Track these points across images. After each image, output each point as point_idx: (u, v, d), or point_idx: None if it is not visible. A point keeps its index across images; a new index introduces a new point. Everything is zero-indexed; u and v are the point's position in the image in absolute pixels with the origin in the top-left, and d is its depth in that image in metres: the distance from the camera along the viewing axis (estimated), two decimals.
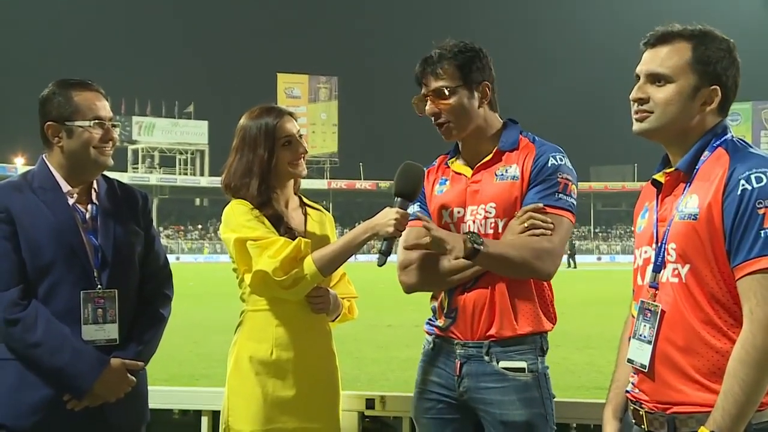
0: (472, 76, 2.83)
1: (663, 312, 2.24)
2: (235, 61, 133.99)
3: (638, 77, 2.31)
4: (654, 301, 2.26)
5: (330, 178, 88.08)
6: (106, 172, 3.04)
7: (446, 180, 2.97)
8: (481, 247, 2.65)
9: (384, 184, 77.60)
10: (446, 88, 2.81)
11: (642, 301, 2.30)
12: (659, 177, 2.35)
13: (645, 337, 2.27)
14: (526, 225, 2.72)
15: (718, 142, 2.26)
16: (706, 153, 2.26)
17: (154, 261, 3.06)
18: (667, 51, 2.28)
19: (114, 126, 2.96)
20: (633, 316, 2.35)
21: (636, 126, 2.30)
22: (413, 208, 2.97)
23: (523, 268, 2.71)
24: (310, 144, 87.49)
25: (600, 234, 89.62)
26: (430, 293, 2.95)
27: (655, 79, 2.28)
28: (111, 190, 3.03)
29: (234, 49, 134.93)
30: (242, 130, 3.11)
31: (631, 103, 2.31)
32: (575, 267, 47.55)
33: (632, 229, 2.53)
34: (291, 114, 3.17)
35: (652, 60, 2.29)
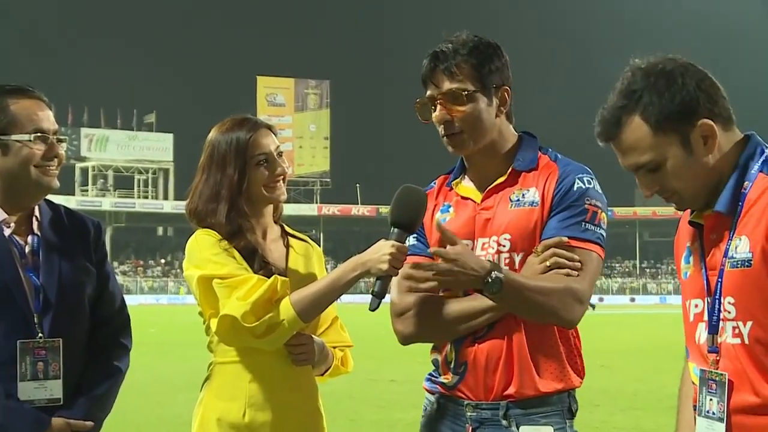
0: (491, 78, 2.83)
1: (731, 382, 2.21)
2: (207, 61, 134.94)
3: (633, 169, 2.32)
4: (717, 368, 2.25)
5: (321, 203, 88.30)
6: (50, 196, 3.04)
7: (449, 206, 2.96)
8: (502, 275, 2.63)
9: (386, 210, 77.29)
10: (464, 92, 2.81)
11: (703, 371, 2.28)
12: (698, 218, 2.34)
13: (714, 413, 2.25)
14: (548, 263, 2.71)
15: (757, 165, 2.25)
16: (746, 184, 2.24)
17: (109, 304, 3.05)
18: (625, 137, 2.28)
19: (60, 141, 2.96)
20: (694, 383, 2.33)
21: (678, 208, 2.35)
22: (410, 241, 2.94)
23: (547, 313, 2.70)
24: (296, 161, 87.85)
25: (647, 270, 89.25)
26: (431, 343, 2.92)
27: (648, 170, 2.28)
28: (56, 219, 3.02)
29: (205, 47, 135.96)
30: (210, 146, 3.13)
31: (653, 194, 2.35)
32: (593, 308, 47.64)
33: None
34: (269, 127, 3.18)
35: (625, 153, 2.29)
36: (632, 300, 70.65)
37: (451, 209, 2.94)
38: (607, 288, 75.66)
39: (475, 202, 2.89)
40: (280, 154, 3.15)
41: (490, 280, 2.62)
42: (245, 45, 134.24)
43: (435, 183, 3.04)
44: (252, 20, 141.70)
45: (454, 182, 2.98)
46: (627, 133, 2.27)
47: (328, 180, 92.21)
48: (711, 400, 2.25)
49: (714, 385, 2.24)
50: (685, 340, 2.40)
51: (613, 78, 2.35)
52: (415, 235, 2.96)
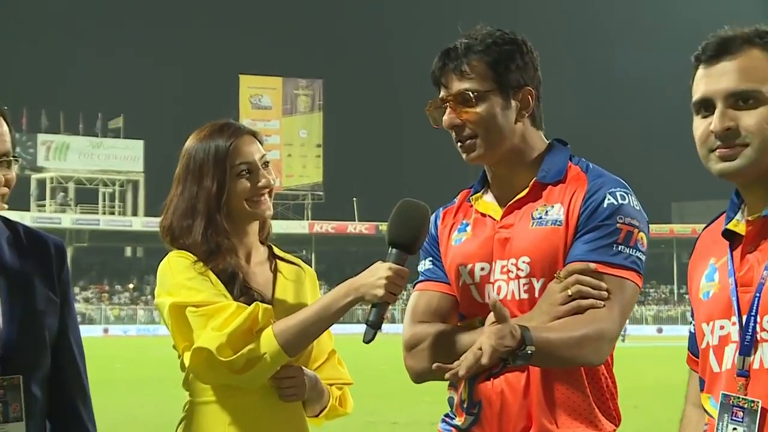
0: (510, 77, 2.84)
1: (764, 410, 2.22)
2: (182, 58, 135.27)
3: (706, 102, 2.32)
4: (746, 394, 2.25)
5: (312, 219, 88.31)
6: (4, 213, 3.03)
7: (467, 224, 2.97)
8: (533, 348, 2.53)
9: (386, 227, 77.30)
10: (473, 92, 2.82)
11: (725, 395, 2.29)
12: (735, 227, 2.35)
13: None
14: (570, 293, 2.70)
15: None
16: None
17: (65, 357, 2.99)
18: (741, 62, 2.30)
19: (13, 160, 2.91)
20: (711, 416, 2.34)
21: (724, 166, 2.31)
22: (425, 264, 2.97)
23: (577, 362, 2.70)
24: (285, 172, 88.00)
25: (686, 296, 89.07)
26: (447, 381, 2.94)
27: (740, 98, 2.29)
28: (14, 239, 3.00)
29: (181, 42, 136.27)
30: (186, 155, 3.15)
31: (707, 138, 2.32)
32: (622, 339, 47.51)
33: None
34: (253, 133, 3.20)
35: (728, 76, 2.30)
36: (659, 331, 70.45)
37: (469, 228, 2.96)
38: (641, 317, 75.53)
39: (494, 219, 2.91)
40: (266, 164, 3.17)
41: (520, 353, 2.52)
42: (225, 39, 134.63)
43: (456, 199, 3.06)
44: (233, 11, 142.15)
45: (474, 197, 2.99)
46: (745, 56, 2.31)
47: (321, 193, 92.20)
48: (735, 429, 2.25)
49: (741, 413, 2.25)
50: (698, 368, 2.41)
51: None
52: (430, 258, 2.99)
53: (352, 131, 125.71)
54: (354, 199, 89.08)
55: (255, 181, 3.12)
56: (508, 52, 2.84)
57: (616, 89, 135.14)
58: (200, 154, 3.12)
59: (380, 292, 2.79)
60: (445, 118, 2.86)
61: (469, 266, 2.89)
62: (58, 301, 2.99)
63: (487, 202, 2.95)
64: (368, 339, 2.80)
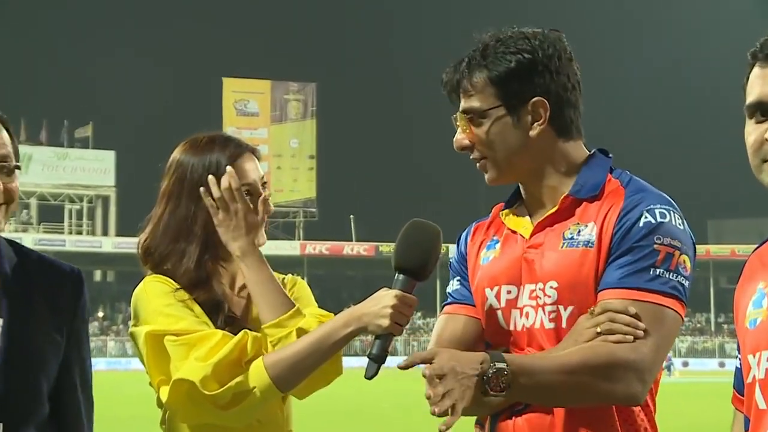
0: (515, 90, 2.87)
1: None
2: (158, 59, 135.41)
3: (762, 106, 2.31)
4: None
5: (304, 239, 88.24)
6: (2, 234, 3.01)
7: (497, 241, 3.01)
8: (504, 364, 2.58)
9: (387, 248, 77.43)
10: (475, 111, 2.87)
11: None
12: None
13: None
14: (599, 329, 2.70)
15: None
16: None
17: (68, 403, 3.00)
18: None
19: (15, 167, 2.92)
20: None
21: None
22: (453, 285, 3.01)
23: (589, 395, 2.69)
24: (274, 186, 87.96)
25: (725, 326, 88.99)
26: (474, 416, 2.94)
27: None
28: (22, 269, 2.98)
29: (157, 41, 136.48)
30: (180, 169, 3.16)
31: (760, 145, 2.31)
32: (669, 373, 47.52)
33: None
34: (253, 151, 3.22)
35: None
36: (685, 365, 70.28)
37: (498, 246, 2.99)
38: (673, 349, 75.45)
39: (523, 237, 2.93)
40: (264, 184, 3.19)
41: (489, 374, 2.57)
42: (207, 38, 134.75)
43: (491, 213, 3.10)
44: (216, 7, 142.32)
45: (503, 212, 3.03)
46: None
47: (314, 210, 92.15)
48: None
49: None
50: (744, 405, 2.42)
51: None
52: (458, 279, 3.02)
53: (349, 141, 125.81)
54: (351, 216, 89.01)
55: (257, 206, 3.13)
56: (516, 62, 2.86)
57: (643, 91, 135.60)
58: (199, 170, 3.13)
59: (385, 322, 2.80)
60: (455, 138, 2.93)
61: (496, 289, 2.92)
62: (63, 342, 2.97)
63: (517, 219, 2.99)
64: (371, 374, 2.81)
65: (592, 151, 2.98)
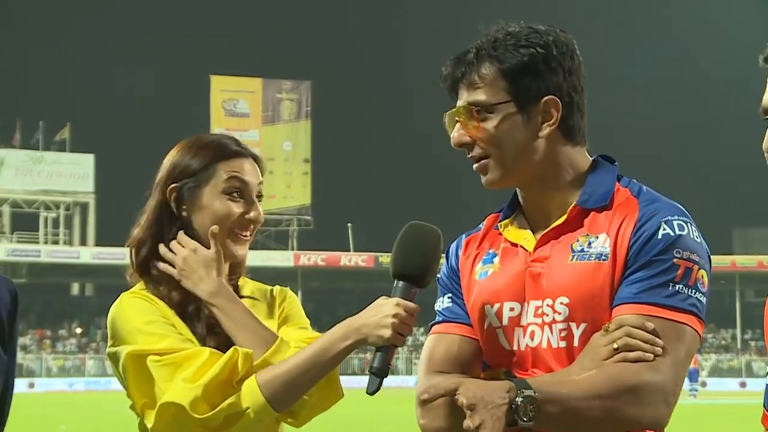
0: (527, 85, 2.87)
1: None
2: (142, 55, 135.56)
3: None
4: None
5: (298, 249, 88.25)
6: None
7: (494, 255, 3.00)
8: (532, 391, 2.61)
9: (389, 259, 77.01)
10: (482, 105, 2.86)
11: None
12: None
13: None
14: (615, 346, 2.70)
15: None
16: None
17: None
18: None
19: None
20: None
21: None
22: (443, 302, 2.99)
23: (617, 421, 2.69)
24: (265, 192, 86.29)
25: (751, 343, 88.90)
26: None
27: None
28: None
29: (139, 35, 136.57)
30: (168, 161, 3.20)
31: None
32: (694, 395, 47.52)
33: None
34: (255, 158, 3.26)
35: None
36: (703, 385, 70.12)
37: (496, 260, 2.98)
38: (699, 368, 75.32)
39: (526, 250, 2.93)
40: (260, 195, 3.22)
41: (518, 402, 2.59)
42: (193, 33, 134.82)
43: (482, 225, 3.09)
44: (208, 6, 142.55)
45: (503, 223, 3.02)
46: None
47: (309, 218, 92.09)
48: None
49: None
50: None
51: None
52: (449, 295, 3.02)
53: (347, 143, 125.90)
54: (349, 225, 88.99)
55: (243, 209, 3.16)
56: (529, 56, 2.87)
57: (667, 94, 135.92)
58: (183, 158, 3.16)
59: (386, 333, 2.80)
60: (453, 134, 2.91)
61: (497, 306, 2.92)
62: (6, 359, 3.00)
63: (518, 230, 2.98)
64: (373, 389, 2.81)
65: (595, 158, 2.99)
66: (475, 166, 2.92)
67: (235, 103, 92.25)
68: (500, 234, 3.00)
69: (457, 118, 2.90)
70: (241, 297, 3.27)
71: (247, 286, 3.34)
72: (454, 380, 2.71)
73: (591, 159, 2.98)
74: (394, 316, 2.81)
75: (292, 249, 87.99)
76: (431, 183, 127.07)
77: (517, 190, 2.99)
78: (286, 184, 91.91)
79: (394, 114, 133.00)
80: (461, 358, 2.95)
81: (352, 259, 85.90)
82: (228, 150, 3.18)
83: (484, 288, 2.95)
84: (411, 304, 2.84)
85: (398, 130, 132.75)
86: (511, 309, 2.89)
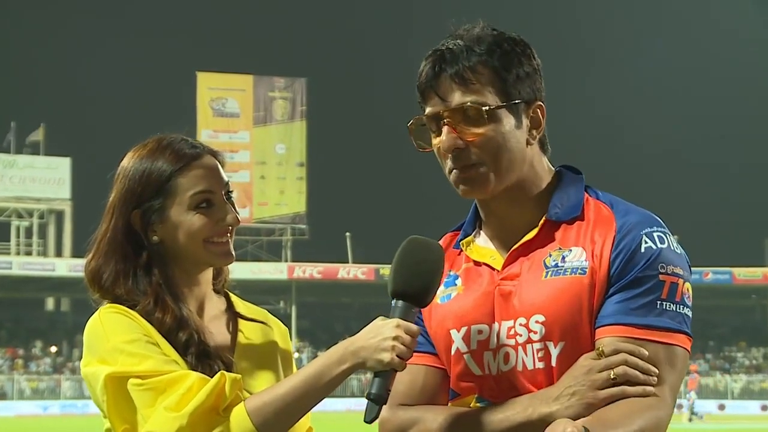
0: (520, 88, 2.89)
1: None
2: (122, 50, 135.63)
3: None
4: None
5: (292, 260, 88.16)
6: None
7: (456, 277, 3.02)
8: None
9: (388, 271, 76.73)
10: (480, 107, 2.85)
11: None
12: None
13: None
14: (613, 375, 2.72)
15: None
16: None
17: None
18: None
19: None
20: None
21: None
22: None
23: None
24: (256, 199, 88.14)
25: None
26: None
27: None
28: None
29: (119, 27, 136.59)
30: (122, 180, 3.21)
31: None
32: (691, 418, 47.65)
33: None
34: (214, 154, 3.24)
35: None
36: (721, 408, 69.97)
37: (459, 281, 3.00)
38: (725, 390, 75.18)
39: (493, 269, 2.94)
40: (229, 194, 3.19)
41: None
42: (178, 26, 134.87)
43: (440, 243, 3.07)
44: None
45: (463, 241, 3.04)
46: None
47: (304, 227, 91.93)
48: None
49: None
50: None
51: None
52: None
53: (344, 146, 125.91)
54: (347, 234, 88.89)
55: (216, 217, 3.16)
56: (517, 56, 2.90)
57: (696, 101, 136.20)
58: (137, 178, 3.16)
59: (386, 356, 2.80)
60: (443, 138, 2.89)
61: (464, 330, 2.93)
62: None
63: (482, 248, 3.00)
64: (371, 417, 2.82)
65: (558, 168, 3.02)
66: (461, 174, 2.89)
67: (223, 102, 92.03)
68: (460, 253, 3.02)
69: (446, 121, 2.88)
70: (239, 316, 3.29)
71: (241, 305, 3.34)
72: (422, 410, 2.80)
73: (553, 169, 3.01)
74: (395, 338, 2.80)
75: (286, 260, 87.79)
76: (436, 190, 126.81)
77: (478, 204, 3.00)
78: (279, 190, 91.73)
79: (397, 114, 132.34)
80: (426, 389, 2.98)
81: (350, 271, 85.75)
82: (183, 156, 3.17)
83: (448, 312, 2.97)
84: (412, 326, 2.83)
85: (401, 132, 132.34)
86: (479, 332, 2.91)
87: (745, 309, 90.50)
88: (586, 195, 2.95)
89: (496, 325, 2.89)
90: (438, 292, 2.95)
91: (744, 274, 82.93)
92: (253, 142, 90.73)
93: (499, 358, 2.87)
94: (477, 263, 2.97)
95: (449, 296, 2.98)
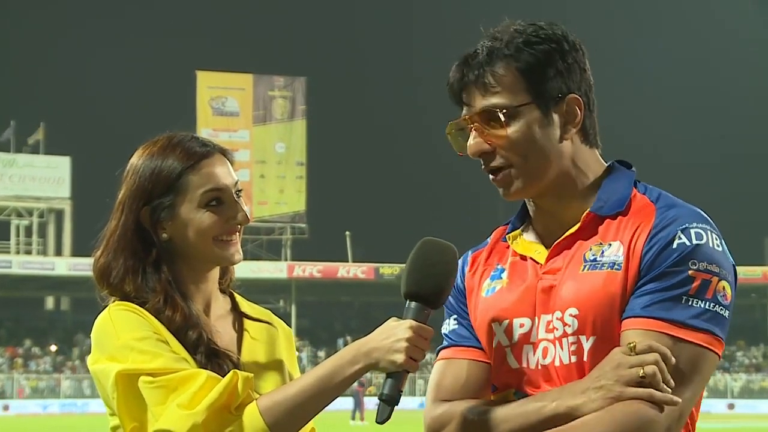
0: (548, 85, 2.87)
1: None
2: (122, 49, 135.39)
3: None
4: None
5: (292, 259, 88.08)
6: None
7: (503, 270, 3.01)
8: None
9: (390, 270, 77.11)
10: (501, 109, 2.84)
11: None
12: None
13: None
14: (641, 374, 2.67)
15: None
16: None
17: None
18: None
19: None
20: None
21: None
22: (449, 324, 3.02)
23: None
24: (256, 198, 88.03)
25: None
26: None
27: None
28: None
29: (119, 26, 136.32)
30: (132, 176, 3.20)
31: None
32: None
33: None
34: (224, 152, 3.24)
35: None
36: (731, 407, 69.88)
37: (505, 275, 2.99)
38: (725, 389, 75.01)
39: (537, 263, 2.94)
40: (238, 192, 3.20)
41: None
42: (178, 25, 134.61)
43: (489, 239, 3.10)
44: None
45: (511, 235, 3.02)
46: None
47: (304, 225, 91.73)
48: None
49: None
50: None
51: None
52: (455, 317, 3.03)
53: (344, 145, 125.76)
54: (347, 233, 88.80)
55: (227, 215, 3.16)
56: (545, 53, 2.87)
57: (694, 99, 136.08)
58: (147, 175, 3.16)
59: (399, 357, 2.80)
60: (470, 143, 2.89)
61: (506, 323, 2.92)
62: None
63: (528, 242, 2.98)
64: (383, 418, 2.82)
65: (610, 163, 2.99)
66: (494, 177, 2.90)
67: (223, 101, 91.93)
68: (508, 247, 3.01)
69: (472, 125, 2.88)
70: (245, 316, 3.29)
71: (245, 305, 3.35)
72: (464, 404, 2.76)
73: (606, 164, 2.99)
74: (408, 339, 2.80)
75: (286, 259, 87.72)
76: (437, 188, 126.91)
77: (527, 200, 2.99)
78: (278, 189, 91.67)
79: (398, 113, 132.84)
80: (471, 384, 2.97)
81: (350, 270, 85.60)
82: (194, 154, 3.17)
83: (492, 304, 2.96)
84: (425, 327, 2.83)
85: (402, 131, 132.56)
86: (521, 325, 2.90)
87: (744, 308, 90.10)
88: (634, 190, 2.92)
89: (536, 319, 2.88)
90: (484, 285, 2.98)
91: (744, 272, 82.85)
92: (253, 141, 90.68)
93: (538, 353, 2.87)
94: (523, 257, 2.96)
95: (494, 289, 2.97)
